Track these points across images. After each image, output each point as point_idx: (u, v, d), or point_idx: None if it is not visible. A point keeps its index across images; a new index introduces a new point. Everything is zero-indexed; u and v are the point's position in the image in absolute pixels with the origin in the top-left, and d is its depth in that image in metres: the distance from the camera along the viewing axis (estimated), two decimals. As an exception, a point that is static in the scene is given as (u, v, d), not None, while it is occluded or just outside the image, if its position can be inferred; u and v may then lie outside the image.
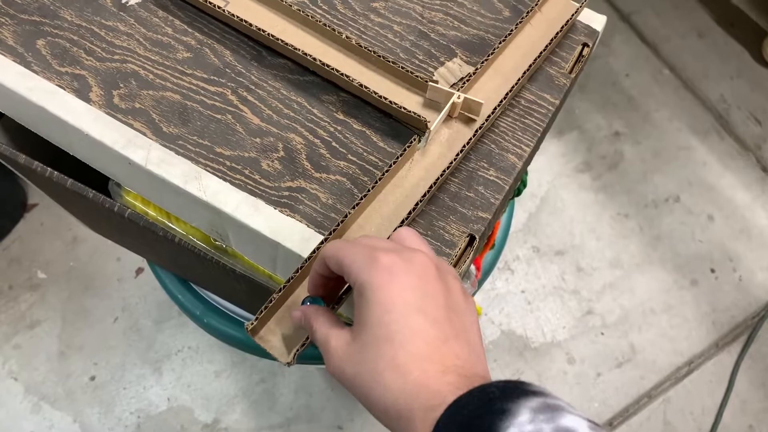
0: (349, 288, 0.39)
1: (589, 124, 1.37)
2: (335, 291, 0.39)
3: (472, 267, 0.61)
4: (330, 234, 0.40)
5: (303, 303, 0.38)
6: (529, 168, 1.32)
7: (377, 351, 0.30)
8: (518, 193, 0.68)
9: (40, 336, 1.14)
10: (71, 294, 1.17)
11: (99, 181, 0.51)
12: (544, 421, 0.26)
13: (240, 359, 1.13)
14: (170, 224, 0.49)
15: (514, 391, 0.27)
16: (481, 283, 0.73)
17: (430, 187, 0.43)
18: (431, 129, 0.45)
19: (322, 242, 0.40)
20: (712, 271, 1.26)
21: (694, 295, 1.23)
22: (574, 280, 1.23)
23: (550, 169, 1.32)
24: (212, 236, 0.47)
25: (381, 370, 0.30)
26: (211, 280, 0.61)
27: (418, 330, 0.30)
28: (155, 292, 1.18)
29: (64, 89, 0.46)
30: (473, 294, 0.58)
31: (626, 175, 1.34)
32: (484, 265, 0.81)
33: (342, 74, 0.46)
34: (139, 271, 1.20)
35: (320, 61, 0.46)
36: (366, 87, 0.46)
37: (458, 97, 0.45)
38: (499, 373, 1.14)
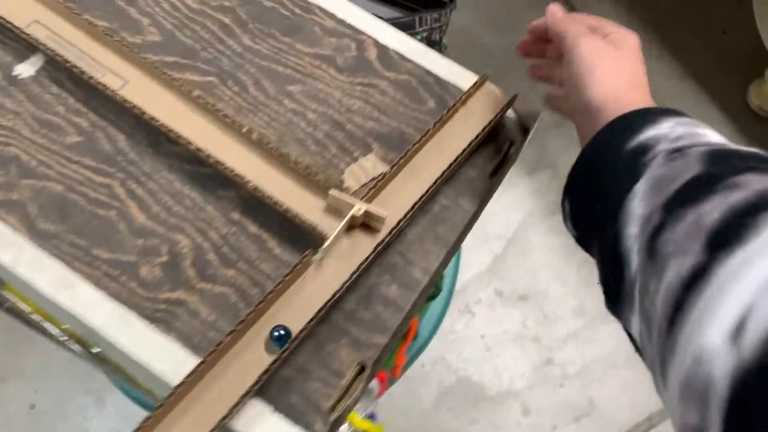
0: None
1: (563, 163, 1.33)
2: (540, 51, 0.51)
3: (374, 382, 0.58)
4: (206, 357, 0.37)
5: None
6: (499, 207, 1.28)
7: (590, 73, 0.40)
8: (432, 297, 0.65)
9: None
10: (11, 320, 1.13)
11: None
12: (681, 126, 0.33)
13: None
14: (47, 323, 0.46)
15: (672, 112, 0.35)
16: (407, 366, 0.70)
17: (323, 306, 0.40)
18: (328, 243, 0.42)
19: (195, 368, 0.36)
20: (679, 324, 1.23)
21: (658, 349, 1.20)
22: (536, 327, 1.20)
23: (520, 208, 1.29)
24: (88, 342, 0.44)
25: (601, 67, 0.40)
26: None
27: (613, 80, 0.40)
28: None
29: (-64, 175, 0.42)
30: (371, 410, 0.55)
31: (598, 218, 1.30)
32: (435, 312, 0.78)
33: (236, 174, 0.42)
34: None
35: (214, 158, 0.43)
36: (260, 190, 0.42)
37: (358, 210, 0.42)
38: (451, 423, 1.11)
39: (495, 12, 1.48)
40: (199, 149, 0.43)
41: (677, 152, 0.30)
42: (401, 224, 0.43)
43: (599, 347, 1.19)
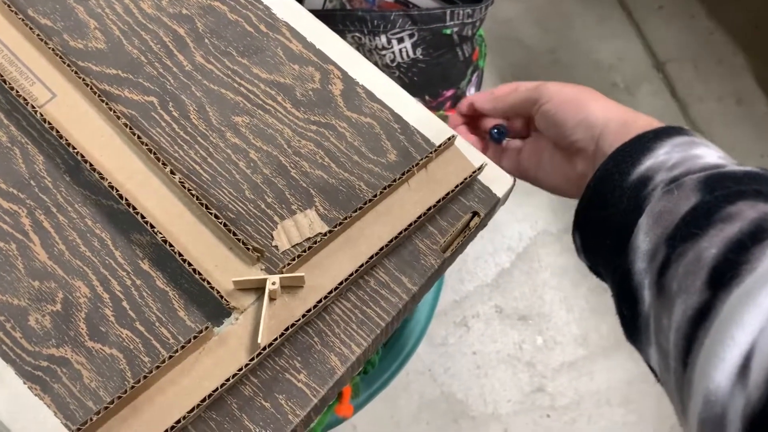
0: None
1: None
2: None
3: None
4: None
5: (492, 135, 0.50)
6: (512, 218, 1.21)
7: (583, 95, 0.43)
8: (365, 371, 0.59)
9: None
10: None
11: None
12: (678, 151, 0.33)
13: None
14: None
15: (665, 132, 0.35)
16: (392, 376, 0.65)
17: (216, 389, 0.35)
18: (242, 310, 0.37)
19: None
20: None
21: (658, 393, 1.13)
22: (532, 351, 1.14)
23: (534, 223, 1.22)
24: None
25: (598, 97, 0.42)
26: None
27: (615, 108, 0.41)
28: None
29: None
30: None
31: (618, 244, 1.22)
32: (422, 318, 0.73)
33: (147, 221, 0.38)
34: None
35: (126, 199, 0.38)
36: (171, 245, 0.37)
37: (273, 283, 0.37)
38: (425, 440, 1.07)
39: (543, 10, 1.38)
40: (112, 186, 0.38)
41: (674, 182, 0.31)
42: (324, 301, 0.38)
43: (595, 382, 1.13)
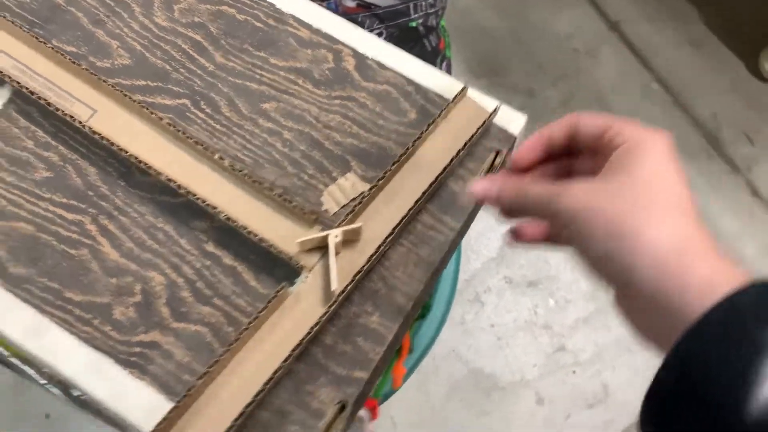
0: None
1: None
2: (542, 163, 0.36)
3: (363, 411, 0.56)
4: (178, 403, 0.36)
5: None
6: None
7: (647, 190, 0.28)
8: (422, 315, 0.63)
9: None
10: None
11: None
12: None
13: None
14: (25, 367, 0.45)
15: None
16: (416, 364, 0.68)
17: (300, 341, 0.38)
18: (310, 269, 0.40)
19: (167, 415, 0.35)
20: (694, 304, 1.20)
21: (672, 331, 1.18)
22: (546, 314, 1.18)
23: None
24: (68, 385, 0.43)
25: (647, 206, 0.27)
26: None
27: (685, 191, 0.28)
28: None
29: None
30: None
31: (608, 199, 1.27)
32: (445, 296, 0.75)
33: (208, 204, 0.41)
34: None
35: (185, 188, 0.41)
36: (234, 220, 0.41)
37: (336, 236, 0.40)
38: (463, 416, 1.10)
39: (496, -9, 1.44)
40: (169, 179, 0.41)
41: None
42: (382, 248, 0.41)
43: (611, 332, 1.17)
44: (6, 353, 0.46)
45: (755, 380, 0.22)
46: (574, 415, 1.11)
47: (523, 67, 1.36)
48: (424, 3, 1.07)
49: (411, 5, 1.06)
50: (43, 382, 0.44)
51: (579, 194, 0.29)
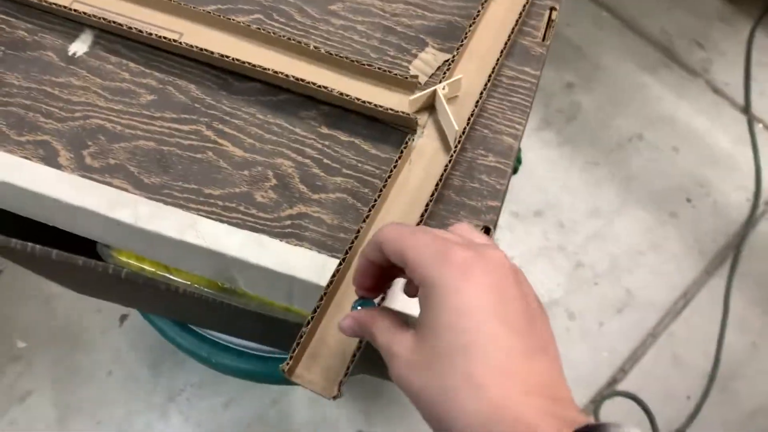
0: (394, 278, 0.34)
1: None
2: (384, 281, 0.34)
3: None
4: (346, 254, 0.38)
5: (353, 307, 0.34)
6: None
7: (449, 362, 0.26)
8: (515, 171, 0.67)
9: (34, 406, 1.09)
10: (57, 357, 1.12)
11: (82, 240, 0.48)
12: None
13: (247, 384, 1.10)
14: (170, 276, 0.47)
15: None
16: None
17: (436, 185, 0.42)
18: (423, 126, 0.44)
19: (340, 264, 0.38)
20: (688, 200, 1.28)
21: (675, 227, 1.25)
22: (557, 237, 1.24)
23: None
24: (219, 281, 0.45)
25: (454, 385, 0.26)
26: (219, 323, 0.59)
27: (498, 339, 0.26)
28: (144, 337, 1.15)
29: (30, 159, 0.43)
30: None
31: (587, 124, 1.34)
32: None
33: (319, 86, 0.44)
34: (123, 318, 1.16)
35: (293, 76, 0.44)
36: (347, 95, 0.44)
37: (443, 88, 0.44)
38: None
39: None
40: (277, 72, 0.44)
41: None
42: (483, 95, 0.45)
43: (622, 240, 1.23)
44: (150, 270, 0.47)
45: None
46: (606, 322, 1.17)
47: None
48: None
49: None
50: (189, 289, 0.46)
51: (401, 368, 0.28)
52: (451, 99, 0.45)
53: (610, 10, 1.46)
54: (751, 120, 1.35)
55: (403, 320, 0.31)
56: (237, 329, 0.61)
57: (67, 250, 0.47)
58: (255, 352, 0.67)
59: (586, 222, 1.25)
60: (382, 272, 0.32)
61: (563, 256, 1.22)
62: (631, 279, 1.21)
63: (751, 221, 1.26)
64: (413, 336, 0.29)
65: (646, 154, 1.32)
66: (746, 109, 1.36)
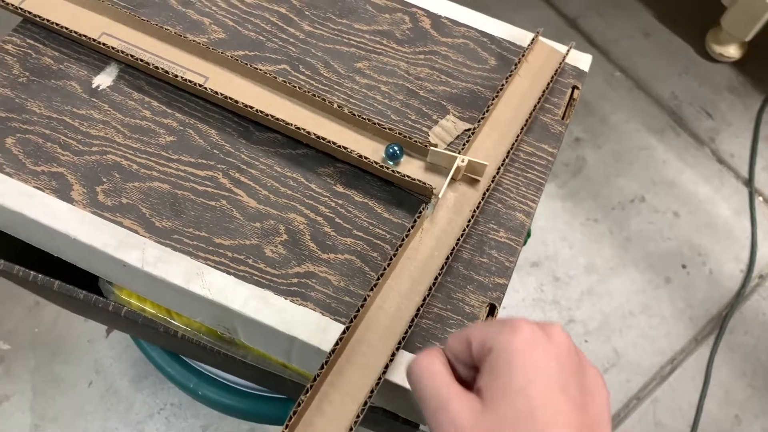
0: None
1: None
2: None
3: None
4: (351, 321, 0.38)
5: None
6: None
7: (517, 427, 0.26)
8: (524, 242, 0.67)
9: (10, 411, 1.08)
10: (39, 362, 1.11)
11: (85, 273, 0.48)
12: None
13: (226, 411, 1.09)
14: (171, 320, 0.47)
15: None
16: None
17: (447, 257, 0.42)
18: (438, 195, 0.44)
19: (344, 331, 0.38)
20: (683, 266, 1.28)
21: (668, 292, 1.25)
22: (552, 290, 1.24)
23: (516, 181, 1.32)
24: (219, 330, 0.45)
25: None
26: (215, 364, 0.59)
27: (562, 412, 0.27)
28: (129, 350, 1.14)
29: (43, 190, 0.43)
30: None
31: (591, 180, 1.35)
32: None
33: (338, 146, 0.44)
34: (110, 330, 1.15)
35: (314, 134, 0.44)
36: (366, 158, 0.44)
37: (462, 161, 0.44)
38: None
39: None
40: (298, 128, 0.44)
41: None
42: (500, 170, 0.45)
43: (614, 299, 1.23)
44: (151, 311, 0.47)
45: None
46: (592, 381, 1.16)
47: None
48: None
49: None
50: (188, 335, 0.46)
51: (456, 423, 0.28)
52: (469, 171, 0.45)
53: (623, 70, 1.47)
54: (752, 193, 1.36)
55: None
56: (232, 371, 0.60)
57: (68, 277, 0.46)
58: (244, 389, 0.67)
59: (581, 277, 1.26)
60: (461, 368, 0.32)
61: (556, 310, 1.22)
62: (621, 339, 1.21)
63: (742, 293, 1.27)
64: (477, 398, 0.28)
65: (647, 216, 1.33)
66: (749, 182, 1.37)
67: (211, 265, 0.41)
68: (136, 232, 0.42)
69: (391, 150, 0.44)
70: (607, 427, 0.29)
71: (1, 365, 1.11)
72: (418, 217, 0.43)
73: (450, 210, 0.44)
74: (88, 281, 0.48)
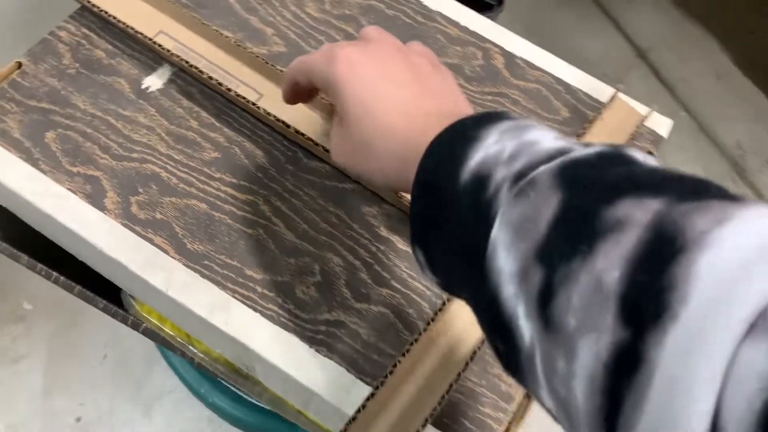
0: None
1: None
2: (310, 95, 0.40)
3: None
4: (377, 388, 0.36)
5: None
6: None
7: (362, 126, 0.32)
8: None
9: (24, 371, 1.08)
10: (58, 327, 1.11)
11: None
12: (509, 138, 0.26)
13: (235, 405, 1.08)
14: (189, 345, 0.44)
15: (487, 119, 0.28)
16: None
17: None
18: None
19: (368, 398, 0.35)
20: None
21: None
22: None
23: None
24: (237, 364, 0.42)
25: (370, 140, 0.32)
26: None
27: (389, 94, 0.32)
28: (148, 328, 1.13)
29: (75, 193, 0.41)
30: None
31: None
32: None
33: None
34: (132, 305, 1.14)
35: (364, 173, 0.41)
36: (415, 206, 0.41)
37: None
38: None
39: (528, 17, 1.48)
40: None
41: (521, 179, 0.25)
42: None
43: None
44: (170, 333, 0.45)
45: (463, 160, 0.27)
46: None
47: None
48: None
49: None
50: (205, 362, 0.44)
51: (338, 157, 0.35)
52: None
53: (688, 110, 1.41)
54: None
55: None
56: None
57: (92, 275, 0.45)
58: (258, 402, 0.65)
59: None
60: (306, 92, 0.39)
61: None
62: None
63: None
64: (339, 123, 0.35)
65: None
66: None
67: (238, 299, 0.39)
68: (166, 252, 0.40)
69: None
70: (450, 87, 0.34)
71: (23, 324, 1.11)
72: (464, 279, 0.39)
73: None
74: (111, 289, 0.46)
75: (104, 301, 0.43)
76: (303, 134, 0.42)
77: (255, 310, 0.39)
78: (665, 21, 1.50)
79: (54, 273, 0.43)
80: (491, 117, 0.28)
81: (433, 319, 0.38)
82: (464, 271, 0.27)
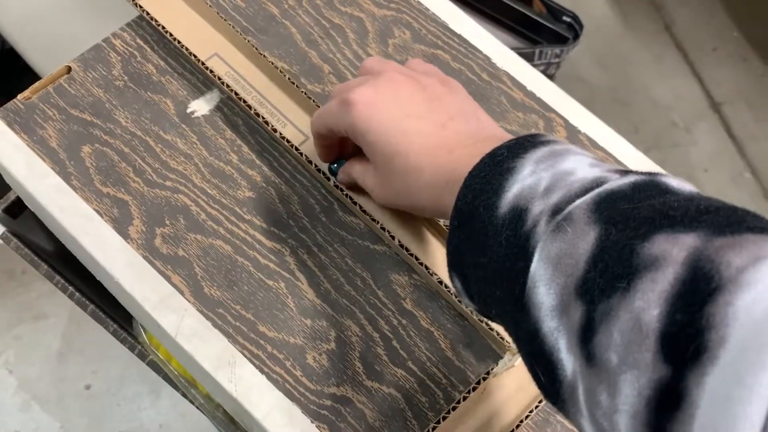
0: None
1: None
2: (342, 148, 0.40)
3: None
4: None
5: (331, 170, 0.40)
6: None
7: (392, 167, 0.34)
8: None
9: (43, 331, 1.10)
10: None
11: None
12: (544, 169, 0.27)
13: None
14: (191, 387, 0.43)
15: (521, 147, 0.29)
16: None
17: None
18: (514, 354, 0.38)
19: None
20: None
21: None
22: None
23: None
24: (236, 419, 0.41)
25: (402, 180, 0.34)
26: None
27: (411, 131, 0.33)
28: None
29: (102, 215, 0.40)
30: None
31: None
32: None
33: (420, 261, 0.39)
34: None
35: (399, 241, 0.39)
36: (447, 286, 0.39)
37: (552, 327, 0.38)
38: None
39: (602, 49, 1.42)
40: (384, 228, 0.39)
41: (558, 214, 0.25)
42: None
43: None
44: (174, 371, 0.44)
45: (501, 192, 0.28)
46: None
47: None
48: (550, 51, 1.06)
49: (537, 51, 1.05)
50: (207, 407, 0.42)
51: (377, 196, 0.38)
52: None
53: (754, 172, 1.35)
54: None
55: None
56: None
57: (107, 295, 0.44)
58: None
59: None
60: (336, 144, 0.39)
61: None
62: None
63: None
64: (372, 166, 0.36)
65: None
66: None
67: (246, 356, 0.37)
68: (182, 293, 0.38)
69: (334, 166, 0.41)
70: (468, 108, 0.36)
71: (50, 284, 1.13)
72: (485, 378, 0.37)
73: (522, 374, 0.38)
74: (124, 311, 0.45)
75: (115, 325, 0.42)
76: (343, 189, 0.40)
77: (262, 371, 0.37)
78: (747, 75, 1.43)
79: (70, 288, 0.42)
80: (525, 145, 0.29)
81: (445, 417, 0.36)
82: (502, 300, 0.28)
